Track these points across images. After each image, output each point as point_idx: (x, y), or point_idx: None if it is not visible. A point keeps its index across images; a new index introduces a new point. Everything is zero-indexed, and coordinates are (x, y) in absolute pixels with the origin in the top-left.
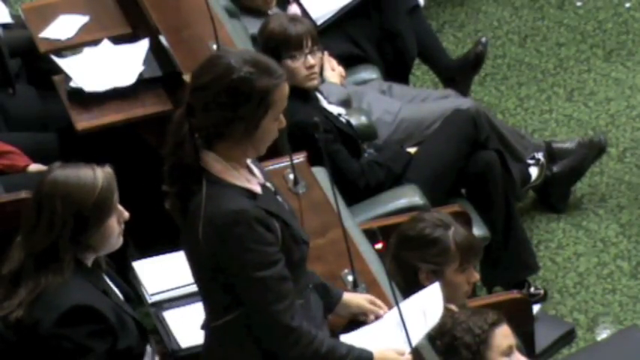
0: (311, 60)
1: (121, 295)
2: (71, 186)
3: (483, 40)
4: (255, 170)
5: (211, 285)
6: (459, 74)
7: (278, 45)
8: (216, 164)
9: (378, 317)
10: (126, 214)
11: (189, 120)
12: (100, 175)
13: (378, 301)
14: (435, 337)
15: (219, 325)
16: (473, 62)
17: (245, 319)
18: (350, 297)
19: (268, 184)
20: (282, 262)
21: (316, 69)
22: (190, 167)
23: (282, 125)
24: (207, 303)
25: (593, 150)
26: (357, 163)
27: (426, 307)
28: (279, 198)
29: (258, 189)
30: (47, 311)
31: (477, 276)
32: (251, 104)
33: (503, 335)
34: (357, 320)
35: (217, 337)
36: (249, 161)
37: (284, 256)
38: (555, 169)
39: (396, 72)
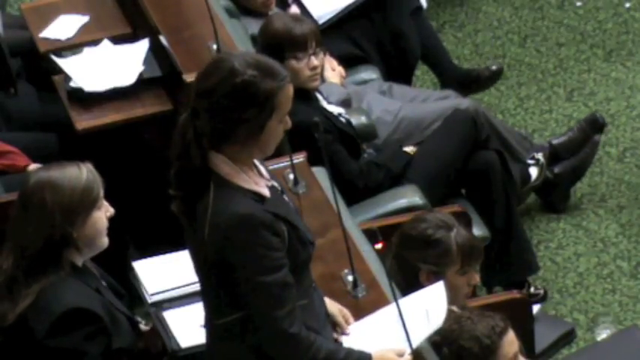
0: (314, 61)
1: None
2: (57, 178)
3: (494, 67)
4: (262, 170)
5: (213, 286)
6: (458, 83)
7: (282, 45)
8: (224, 166)
9: (343, 333)
10: (111, 210)
11: (194, 124)
12: (83, 167)
13: (350, 318)
14: (442, 343)
15: (219, 325)
16: (474, 83)
17: (243, 323)
18: (326, 303)
19: (275, 184)
20: (285, 268)
21: (319, 70)
22: (198, 170)
23: (288, 126)
24: (208, 302)
25: (595, 146)
26: (355, 164)
27: (430, 307)
28: (286, 197)
29: (266, 192)
30: (41, 318)
31: (477, 278)
32: (255, 107)
33: (510, 343)
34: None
35: (218, 335)
36: (255, 161)
37: (290, 257)
38: (557, 169)
39: (399, 72)
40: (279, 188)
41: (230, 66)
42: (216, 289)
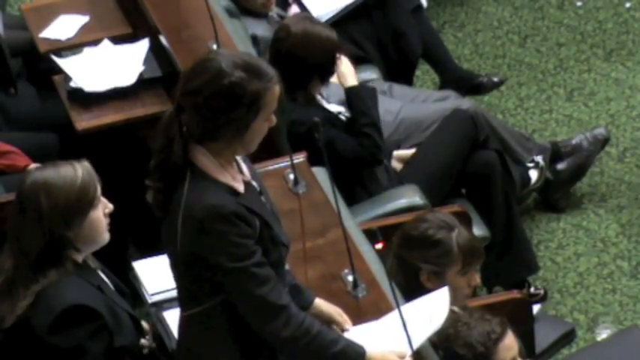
0: None
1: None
2: (52, 179)
3: (496, 79)
4: (243, 167)
5: (186, 276)
6: (458, 84)
7: None
8: (203, 158)
9: (343, 330)
10: (110, 206)
11: (179, 120)
12: (78, 167)
13: (345, 316)
14: (438, 345)
15: (190, 315)
16: (474, 88)
17: (215, 312)
18: (321, 304)
19: (254, 183)
20: (259, 251)
21: None
22: (178, 165)
23: (273, 124)
24: (181, 293)
25: (598, 144)
26: (353, 141)
27: (433, 311)
28: (263, 199)
29: (241, 187)
30: (42, 314)
31: (478, 279)
32: (242, 108)
33: (507, 349)
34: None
35: (188, 327)
36: (238, 157)
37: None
38: (560, 166)
39: (400, 72)
40: (258, 189)
41: (217, 67)
42: (186, 280)
